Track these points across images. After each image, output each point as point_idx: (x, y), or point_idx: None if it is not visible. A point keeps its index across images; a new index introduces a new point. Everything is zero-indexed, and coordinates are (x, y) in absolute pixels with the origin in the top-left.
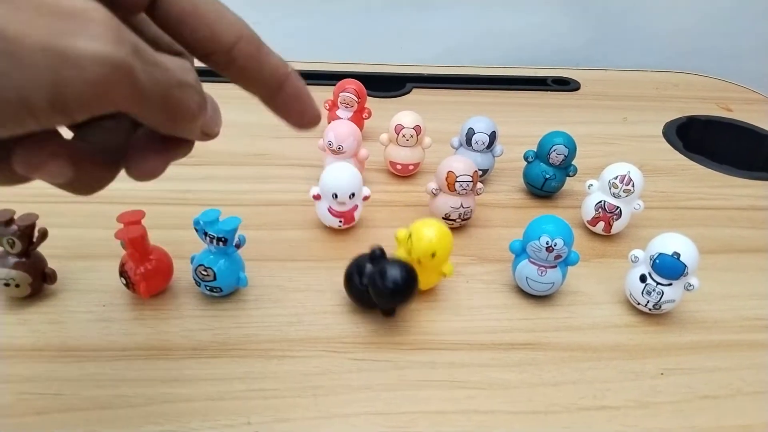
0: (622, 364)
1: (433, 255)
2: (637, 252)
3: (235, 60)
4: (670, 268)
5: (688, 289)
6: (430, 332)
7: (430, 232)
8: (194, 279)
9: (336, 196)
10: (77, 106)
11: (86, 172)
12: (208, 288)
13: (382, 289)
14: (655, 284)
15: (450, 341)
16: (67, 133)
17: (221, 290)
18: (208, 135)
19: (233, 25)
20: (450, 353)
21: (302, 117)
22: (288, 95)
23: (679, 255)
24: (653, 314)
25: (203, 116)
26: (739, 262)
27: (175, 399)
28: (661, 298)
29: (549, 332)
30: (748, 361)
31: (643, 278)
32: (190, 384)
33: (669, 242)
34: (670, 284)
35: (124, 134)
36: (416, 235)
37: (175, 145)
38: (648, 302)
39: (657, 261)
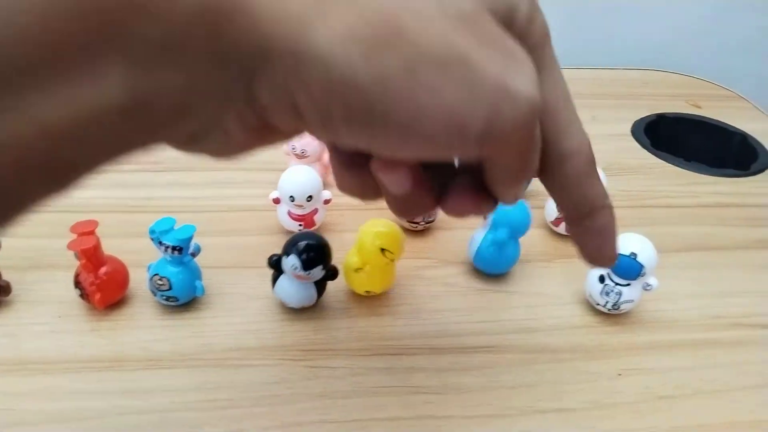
0: (581, 365)
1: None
2: None
3: (563, 169)
4: (627, 268)
5: (646, 289)
6: (390, 337)
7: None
8: (150, 289)
9: (293, 199)
10: (494, 138)
11: (416, 192)
12: (164, 297)
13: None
14: (613, 285)
15: (409, 346)
16: None
17: (177, 299)
18: (515, 201)
19: (578, 138)
20: (408, 358)
21: (597, 253)
22: (593, 227)
23: (636, 255)
24: (613, 314)
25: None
26: (702, 260)
27: (128, 411)
28: (619, 299)
29: (509, 334)
30: (708, 361)
31: (601, 279)
32: (143, 395)
33: (626, 243)
34: (629, 284)
35: (451, 176)
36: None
37: (486, 199)
38: (607, 303)
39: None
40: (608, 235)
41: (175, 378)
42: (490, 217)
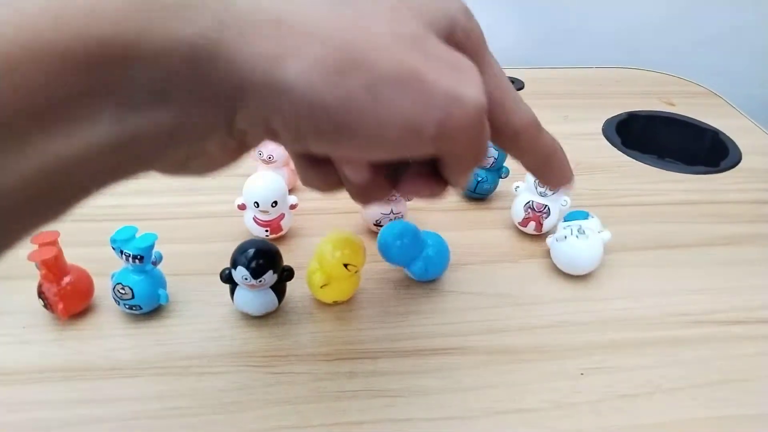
0: (543, 365)
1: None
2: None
3: (518, 141)
4: None
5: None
6: (353, 341)
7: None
8: (113, 298)
9: (258, 205)
10: (448, 137)
11: (375, 180)
12: (127, 306)
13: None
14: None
15: (372, 349)
16: None
17: (141, 308)
18: (465, 185)
19: (523, 115)
20: (371, 362)
21: (558, 179)
22: (552, 166)
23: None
24: (576, 315)
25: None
26: (668, 258)
27: (90, 420)
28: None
29: (472, 336)
30: (669, 358)
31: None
32: (105, 405)
33: None
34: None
35: (406, 163)
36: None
37: (438, 183)
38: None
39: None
40: (564, 167)
41: (137, 386)
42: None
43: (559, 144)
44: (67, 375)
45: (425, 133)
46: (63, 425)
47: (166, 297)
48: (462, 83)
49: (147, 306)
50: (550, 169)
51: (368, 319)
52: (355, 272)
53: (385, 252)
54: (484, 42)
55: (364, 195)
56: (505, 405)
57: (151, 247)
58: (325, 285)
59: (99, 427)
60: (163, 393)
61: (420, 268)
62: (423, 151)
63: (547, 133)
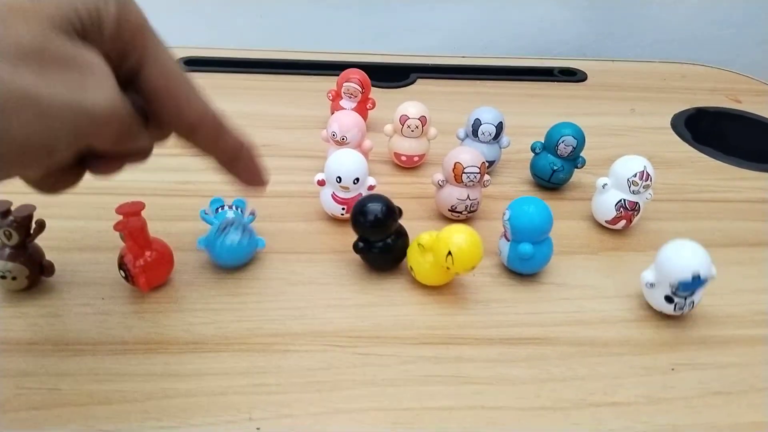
0: (633, 359)
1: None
2: (648, 275)
3: (197, 136)
4: (692, 286)
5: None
6: (436, 326)
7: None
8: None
9: (340, 180)
10: (84, 144)
11: (52, 174)
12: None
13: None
14: (683, 301)
15: (456, 335)
16: None
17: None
18: (144, 157)
19: (198, 109)
20: (456, 348)
21: (252, 181)
22: (241, 166)
23: (699, 274)
24: None
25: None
26: (750, 255)
27: (175, 394)
28: (692, 307)
29: (557, 327)
30: (761, 357)
31: (669, 299)
32: (190, 379)
33: (686, 262)
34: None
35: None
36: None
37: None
38: (681, 312)
39: (680, 286)
40: (255, 167)
41: (221, 362)
42: (509, 228)
43: (248, 146)
44: (149, 347)
45: (59, 148)
46: (148, 398)
47: (264, 242)
48: (85, 89)
49: (250, 246)
50: (240, 166)
51: (449, 305)
52: (448, 269)
53: (532, 213)
54: (144, 29)
55: (45, 186)
56: (597, 397)
57: (245, 204)
58: (424, 250)
59: (186, 401)
60: (248, 369)
61: (534, 251)
62: (68, 157)
63: (233, 132)
